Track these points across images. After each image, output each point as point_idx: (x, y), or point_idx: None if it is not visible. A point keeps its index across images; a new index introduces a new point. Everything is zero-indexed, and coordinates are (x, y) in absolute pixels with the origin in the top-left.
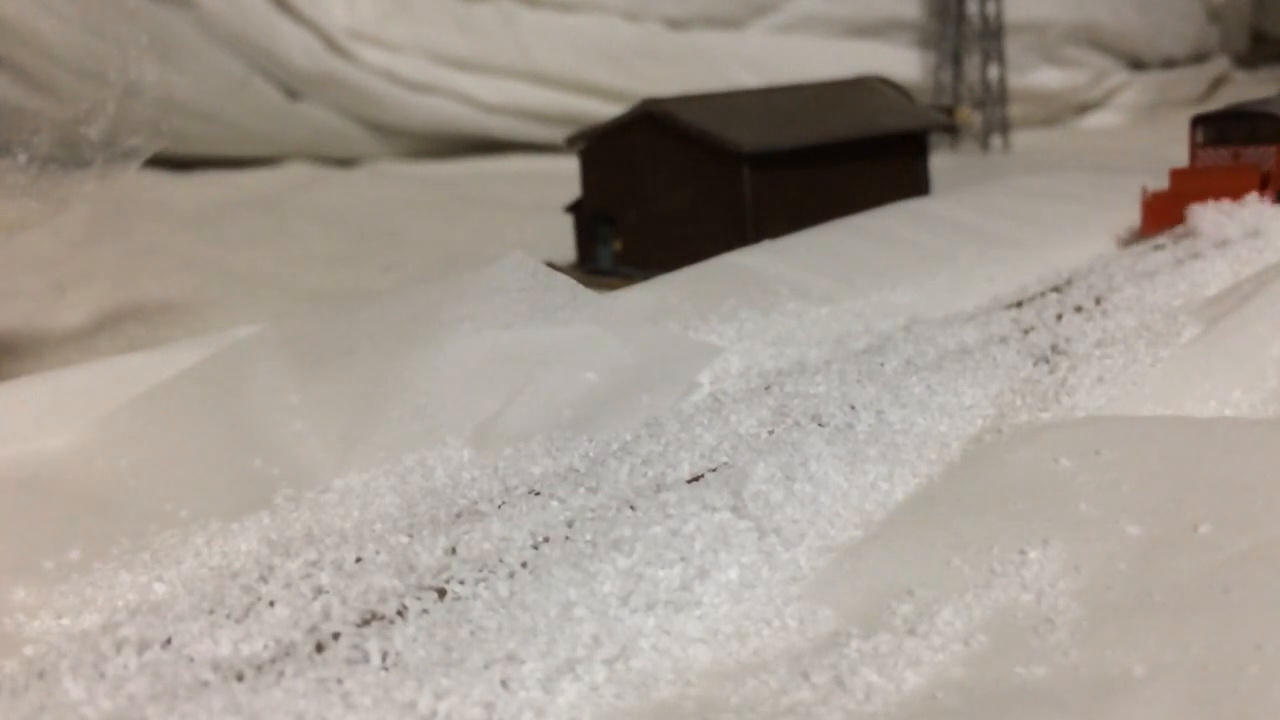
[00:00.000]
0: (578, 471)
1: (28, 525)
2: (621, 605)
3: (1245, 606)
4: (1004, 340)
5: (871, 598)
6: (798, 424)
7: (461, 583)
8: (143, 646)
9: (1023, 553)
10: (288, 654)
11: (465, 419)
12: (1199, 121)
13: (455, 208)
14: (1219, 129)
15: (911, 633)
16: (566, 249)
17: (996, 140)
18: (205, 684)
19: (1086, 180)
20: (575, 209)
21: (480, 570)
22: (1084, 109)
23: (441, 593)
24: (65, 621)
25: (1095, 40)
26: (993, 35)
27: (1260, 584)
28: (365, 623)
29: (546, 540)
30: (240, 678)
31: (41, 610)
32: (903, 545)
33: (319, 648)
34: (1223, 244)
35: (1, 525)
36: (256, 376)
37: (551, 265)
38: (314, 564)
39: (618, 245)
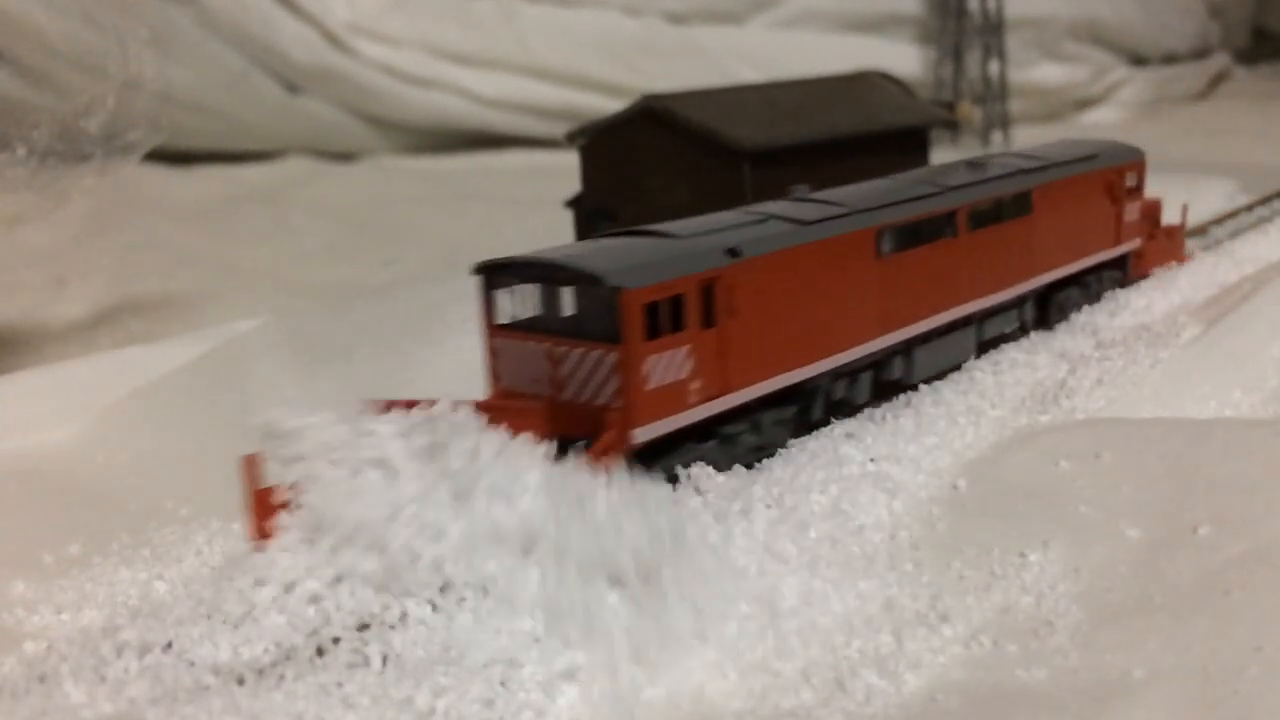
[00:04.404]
0: None
1: (27, 519)
2: None
3: (1245, 608)
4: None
5: (872, 599)
6: None
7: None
8: (143, 650)
9: (1023, 555)
10: (288, 658)
11: None
12: (493, 277)
13: (455, 202)
14: (524, 300)
15: (912, 635)
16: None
17: (997, 135)
18: (205, 688)
19: None
20: (575, 204)
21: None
22: (1085, 104)
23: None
24: (65, 617)
25: (1096, 35)
26: (993, 30)
27: (1260, 585)
28: (364, 627)
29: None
30: (241, 681)
31: (41, 605)
32: None
33: (320, 652)
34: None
35: (1, 519)
36: (256, 372)
37: None
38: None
39: None
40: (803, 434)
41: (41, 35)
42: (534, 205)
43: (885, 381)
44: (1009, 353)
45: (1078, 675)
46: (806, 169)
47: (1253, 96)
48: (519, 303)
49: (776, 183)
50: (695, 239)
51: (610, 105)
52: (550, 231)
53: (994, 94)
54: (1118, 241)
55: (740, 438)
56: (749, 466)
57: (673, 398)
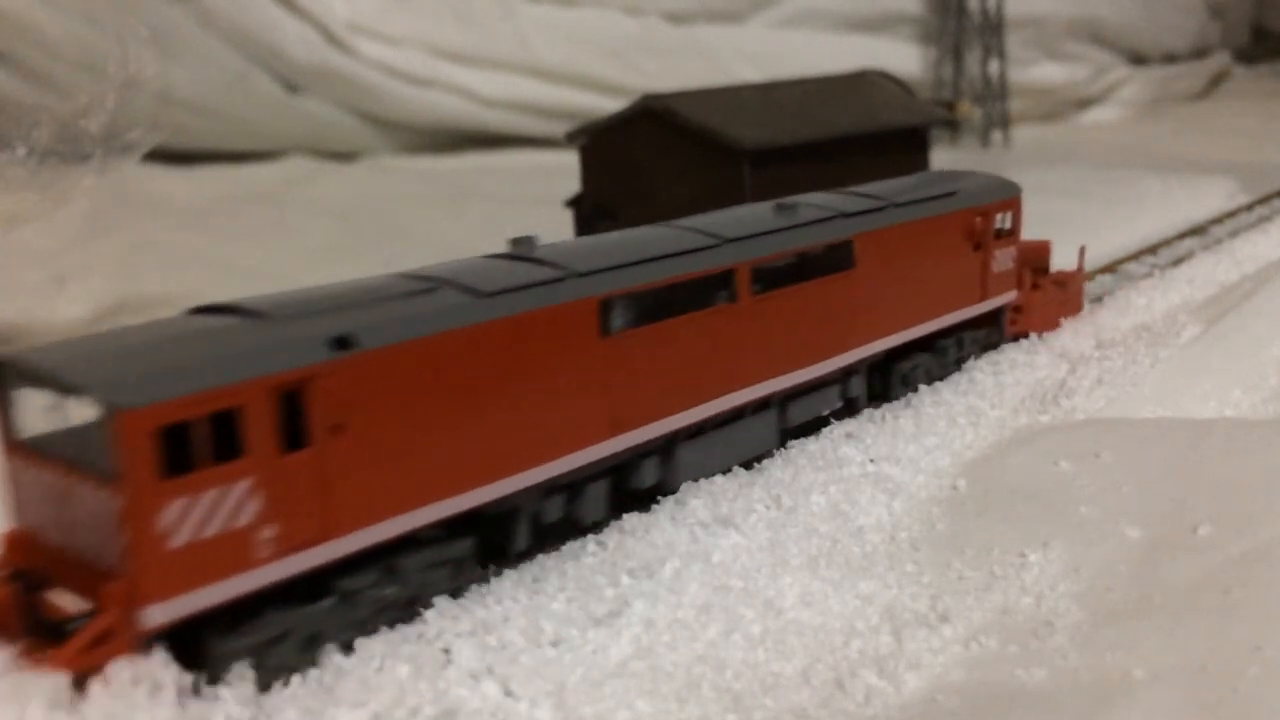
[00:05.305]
0: None
1: None
2: None
3: (1245, 608)
4: None
5: (871, 600)
6: None
7: None
8: None
9: (1023, 555)
10: None
11: None
12: (10, 377)
13: (455, 202)
14: (54, 410)
15: (912, 635)
16: None
17: (997, 135)
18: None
19: (1089, 176)
20: (575, 203)
21: None
22: (1084, 104)
23: None
24: None
25: (1096, 35)
26: (993, 30)
27: (1260, 585)
28: None
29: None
30: None
31: None
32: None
33: None
34: None
35: None
36: None
37: None
38: None
39: None
40: (503, 567)
41: (41, 34)
42: (534, 205)
43: (635, 490)
44: (1009, 353)
45: (1077, 675)
46: (806, 168)
47: (1252, 96)
48: (48, 414)
49: (776, 182)
50: (287, 323)
51: (610, 105)
52: (551, 231)
53: (994, 93)
54: (983, 296)
55: (366, 594)
56: (391, 625)
57: (224, 554)
